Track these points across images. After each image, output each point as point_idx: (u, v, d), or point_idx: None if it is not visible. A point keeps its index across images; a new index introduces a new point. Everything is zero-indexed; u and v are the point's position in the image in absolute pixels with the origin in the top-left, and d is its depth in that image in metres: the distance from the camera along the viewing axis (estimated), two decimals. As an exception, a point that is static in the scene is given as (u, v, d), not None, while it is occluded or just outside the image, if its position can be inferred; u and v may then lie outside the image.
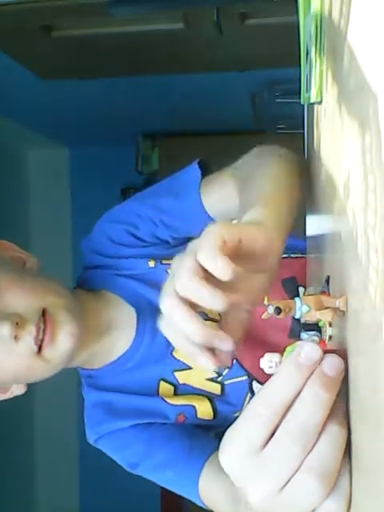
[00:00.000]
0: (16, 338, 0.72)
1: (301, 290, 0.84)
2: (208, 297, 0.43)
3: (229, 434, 0.39)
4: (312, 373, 0.36)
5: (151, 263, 0.88)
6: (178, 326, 0.45)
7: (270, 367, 0.40)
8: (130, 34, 1.62)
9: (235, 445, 0.38)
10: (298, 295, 0.42)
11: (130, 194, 3.33)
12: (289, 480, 0.36)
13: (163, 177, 0.91)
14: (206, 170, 0.89)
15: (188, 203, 0.84)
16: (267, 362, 0.41)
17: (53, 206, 3.48)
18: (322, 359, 0.37)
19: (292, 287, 0.85)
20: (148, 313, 0.85)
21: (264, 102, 2.45)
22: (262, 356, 0.42)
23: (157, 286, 0.86)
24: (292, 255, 0.91)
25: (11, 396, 0.84)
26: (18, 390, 0.83)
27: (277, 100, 2.39)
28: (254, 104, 2.52)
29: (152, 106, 2.56)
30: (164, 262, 0.87)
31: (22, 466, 3.23)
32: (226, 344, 0.45)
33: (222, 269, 0.42)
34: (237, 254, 0.45)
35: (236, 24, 1.54)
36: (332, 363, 0.37)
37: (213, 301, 0.43)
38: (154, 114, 2.69)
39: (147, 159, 3.17)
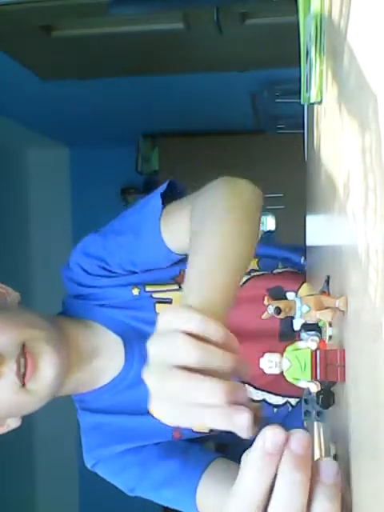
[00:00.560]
0: None
1: (291, 294, 0.85)
2: (220, 356, 0.46)
3: None
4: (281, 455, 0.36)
5: (135, 291, 0.88)
6: (201, 391, 0.44)
7: (270, 367, 0.40)
8: (130, 34, 1.62)
9: None
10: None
11: (130, 194, 3.36)
12: None
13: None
14: (175, 190, 0.86)
15: (149, 241, 0.83)
16: (267, 362, 0.41)
17: (53, 206, 3.48)
18: (287, 439, 0.36)
19: (279, 294, 0.85)
20: (134, 339, 0.86)
21: (264, 101, 2.45)
22: (262, 356, 0.41)
23: (144, 318, 0.87)
24: (274, 271, 0.91)
25: (7, 429, 0.85)
26: (13, 423, 0.84)
27: (277, 100, 2.39)
28: (254, 104, 2.53)
29: (152, 105, 2.56)
30: (148, 289, 0.88)
31: (22, 468, 3.23)
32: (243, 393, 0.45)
33: (217, 330, 0.46)
34: None
35: (236, 24, 1.55)
36: (298, 440, 0.36)
37: (225, 359, 0.46)
38: (154, 113, 2.69)
39: (147, 159, 3.17)
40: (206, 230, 0.66)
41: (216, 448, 0.90)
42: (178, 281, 0.88)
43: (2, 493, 2.91)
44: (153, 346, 0.48)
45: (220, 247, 0.62)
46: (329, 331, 0.44)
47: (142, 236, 0.84)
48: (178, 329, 0.47)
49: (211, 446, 0.89)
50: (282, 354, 0.40)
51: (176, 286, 0.87)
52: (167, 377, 0.45)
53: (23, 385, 0.75)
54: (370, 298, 0.28)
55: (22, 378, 0.75)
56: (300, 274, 0.91)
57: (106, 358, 0.87)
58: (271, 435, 0.36)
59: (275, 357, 0.40)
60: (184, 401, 0.45)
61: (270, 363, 0.40)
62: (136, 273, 0.88)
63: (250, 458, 0.37)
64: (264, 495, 0.36)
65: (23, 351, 0.75)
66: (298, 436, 0.36)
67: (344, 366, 0.38)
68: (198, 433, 0.86)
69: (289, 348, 0.41)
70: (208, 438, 0.87)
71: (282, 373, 0.40)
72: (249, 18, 1.54)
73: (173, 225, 0.81)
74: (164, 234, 0.82)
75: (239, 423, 0.43)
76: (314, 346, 0.40)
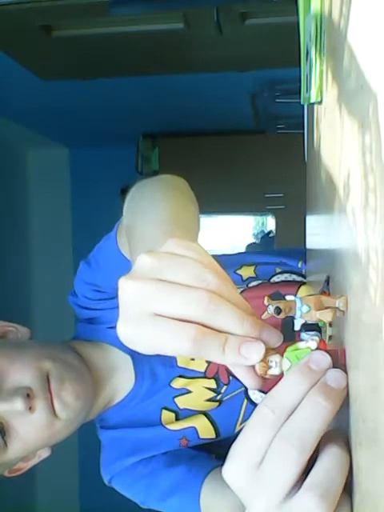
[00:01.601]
0: (31, 408, 0.75)
1: (289, 297, 0.85)
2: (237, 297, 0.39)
3: (234, 445, 0.38)
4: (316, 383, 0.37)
5: None
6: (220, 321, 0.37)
7: (271, 367, 0.40)
8: (130, 34, 1.62)
9: (239, 456, 0.37)
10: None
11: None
12: (289, 495, 0.35)
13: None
14: None
15: (112, 257, 0.82)
16: (267, 362, 0.41)
17: (53, 206, 3.49)
18: (327, 370, 0.37)
19: (278, 299, 0.86)
20: (143, 356, 0.87)
21: (264, 101, 2.45)
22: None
23: None
24: (271, 279, 0.92)
25: (39, 460, 0.87)
26: (44, 452, 0.86)
27: (277, 100, 2.39)
28: (254, 104, 2.52)
29: (152, 105, 2.56)
30: None
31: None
32: (275, 336, 0.39)
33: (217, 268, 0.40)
34: None
35: (236, 24, 1.54)
36: (335, 377, 0.37)
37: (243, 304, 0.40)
38: (154, 113, 2.69)
39: (147, 159, 3.17)
40: (137, 213, 0.64)
41: (217, 458, 0.91)
42: None
43: (1, 496, 2.90)
44: (150, 257, 0.40)
45: (161, 213, 0.59)
46: (329, 331, 0.44)
47: (107, 255, 0.84)
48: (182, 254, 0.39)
49: (213, 456, 0.89)
50: (282, 355, 0.40)
51: None
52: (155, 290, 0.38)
53: (54, 414, 0.77)
54: (370, 297, 0.28)
55: (52, 408, 0.77)
56: (297, 282, 0.91)
57: (120, 373, 0.88)
58: (317, 354, 0.37)
59: (276, 357, 0.40)
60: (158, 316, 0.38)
61: (270, 363, 0.40)
62: None
63: (290, 370, 0.38)
64: (287, 406, 0.36)
65: (48, 382, 0.77)
66: (335, 372, 0.37)
67: (345, 365, 0.38)
68: (204, 439, 0.86)
69: (289, 348, 0.41)
70: (214, 447, 0.87)
71: (282, 373, 0.40)
72: (249, 17, 1.54)
73: (121, 241, 0.80)
74: (120, 245, 0.80)
75: (248, 355, 0.38)
76: (314, 345, 0.40)
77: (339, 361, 0.39)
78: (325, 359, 0.37)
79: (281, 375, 0.40)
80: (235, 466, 0.37)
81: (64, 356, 0.82)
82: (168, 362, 0.87)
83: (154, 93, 2.40)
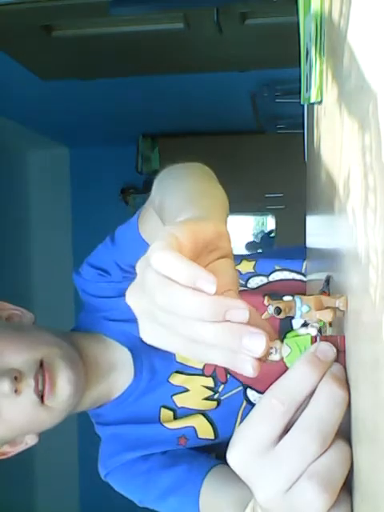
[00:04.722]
0: (17, 391, 0.75)
1: (287, 297, 0.85)
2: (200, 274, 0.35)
3: (239, 431, 0.38)
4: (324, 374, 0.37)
5: None
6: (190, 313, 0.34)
7: (270, 353, 0.41)
8: (130, 34, 1.62)
9: (245, 441, 0.37)
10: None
11: (130, 194, 3.36)
12: (293, 484, 0.35)
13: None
14: None
15: (131, 240, 0.86)
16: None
17: (53, 206, 3.49)
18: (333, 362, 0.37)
19: (278, 299, 0.86)
20: (143, 351, 0.87)
21: (264, 101, 2.45)
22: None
23: None
24: (270, 276, 0.91)
25: (26, 447, 0.86)
26: (31, 440, 0.86)
27: (277, 100, 2.39)
28: (254, 104, 2.53)
29: (152, 106, 2.56)
30: None
31: (21, 467, 3.23)
32: (241, 311, 0.36)
33: (181, 268, 0.35)
34: (194, 252, 0.39)
35: (236, 24, 1.55)
36: (340, 369, 0.37)
37: (207, 281, 0.35)
38: (154, 113, 2.69)
39: (147, 159, 3.17)
40: (169, 187, 0.68)
41: (216, 457, 0.91)
42: None
43: (1, 496, 2.91)
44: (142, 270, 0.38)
45: (191, 186, 0.63)
46: (329, 331, 0.44)
47: (125, 238, 0.87)
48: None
49: (212, 455, 0.89)
50: (282, 342, 0.41)
51: None
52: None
53: (42, 402, 0.77)
54: (370, 297, 0.28)
55: (41, 394, 0.76)
56: (296, 280, 0.91)
57: (119, 369, 0.88)
58: (324, 346, 0.38)
59: (275, 343, 0.40)
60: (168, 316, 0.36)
61: (270, 350, 0.40)
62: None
63: (298, 361, 0.37)
64: (298, 396, 0.36)
65: (41, 368, 0.77)
66: (339, 366, 0.37)
67: (344, 352, 0.38)
68: (202, 440, 0.86)
69: (289, 334, 0.41)
70: (212, 448, 0.87)
71: (282, 359, 0.40)
72: (249, 17, 1.54)
73: (145, 217, 0.84)
74: (142, 230, 0.84)
75: (251, 346, 0.35)
76: (314, 332, 0.40)
77: (339, 347, 0.39)
78: (331, 350, 0.38)
79: (280, 361, 0.40)
80: (241, 452, 0.37)
81: (61, 344, 0.82)
82: (167, 356, 0.86)
83: (154, 93, 2.40)
